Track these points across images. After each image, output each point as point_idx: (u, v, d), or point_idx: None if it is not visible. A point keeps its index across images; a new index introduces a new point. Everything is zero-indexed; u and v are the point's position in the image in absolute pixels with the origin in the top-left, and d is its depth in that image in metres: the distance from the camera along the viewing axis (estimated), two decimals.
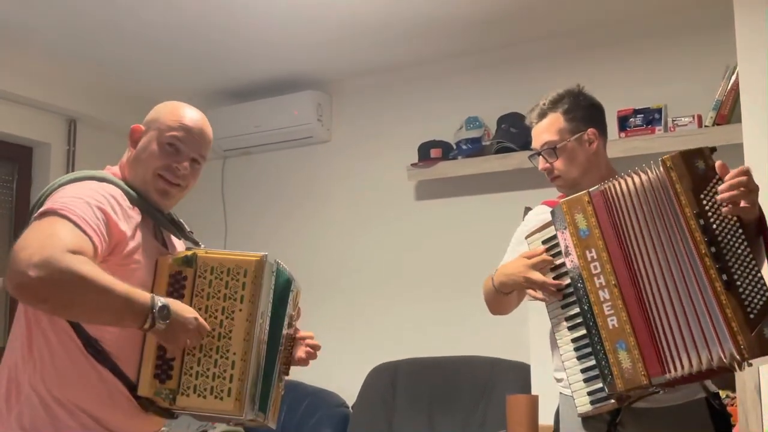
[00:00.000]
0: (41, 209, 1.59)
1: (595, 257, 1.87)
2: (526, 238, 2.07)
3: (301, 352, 1.93)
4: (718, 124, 3.19)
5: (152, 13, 3.47)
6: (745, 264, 1.73)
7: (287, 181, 4.50)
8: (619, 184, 1.90)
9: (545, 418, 2.77)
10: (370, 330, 4.10)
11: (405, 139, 4.08)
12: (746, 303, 1.70)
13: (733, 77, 3.08)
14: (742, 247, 1.74)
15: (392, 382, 3.81)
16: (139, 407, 1.67)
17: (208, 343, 1.65)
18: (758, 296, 1.71)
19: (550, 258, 1.96)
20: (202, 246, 1.84)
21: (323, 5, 3.43)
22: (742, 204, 1.74)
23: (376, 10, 3.49)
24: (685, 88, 3.42)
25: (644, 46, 3.59)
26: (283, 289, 1.81)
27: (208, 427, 3.74)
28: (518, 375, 3.46)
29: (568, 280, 1.94)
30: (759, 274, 1.73)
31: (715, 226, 1.76)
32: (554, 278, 1.97)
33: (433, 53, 4.01)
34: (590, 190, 1.93)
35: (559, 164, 2.10)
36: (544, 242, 2.00)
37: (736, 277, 1.72)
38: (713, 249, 1.74)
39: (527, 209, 3.48)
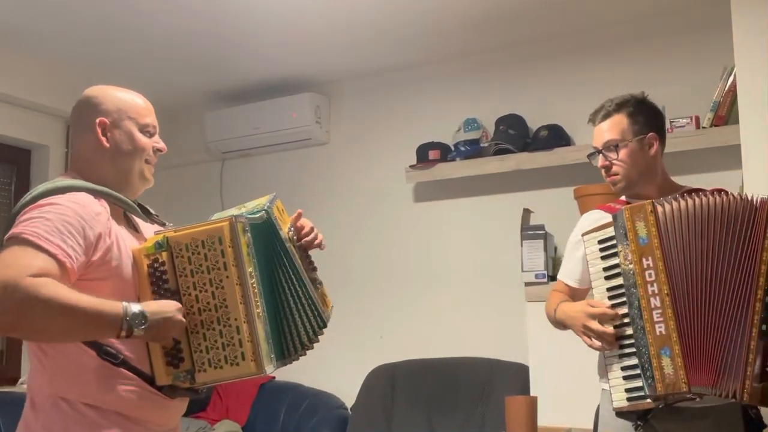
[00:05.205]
0: (6, 236, 1.57)
1: (651, 265, 1.93)
2: (583, 235, 2.12)
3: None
4: (715, 126, 3.19)
5: (151, 15, 3.47)
6: None
7: (286, 183, 4.50)
8: (686, 202, 1.94)
9: (544, 420, 2.77)
10: (368, 332, 4.10)
11: (403, 141, 4.08)
12: None
13: (731, 78, 3.07)
14: None
15: (391, 383, 3.81)
16: (165, 396, 1.69)
17: (208, 317, 1.66)
18: None
19: (614, 312, 1.99)
20: (170, 225, 1.84)
21: (321, 8, 3.44)
22: None
23: (373, 13, 3.50)
24: (682, 90, 3.43)
25: (642, 47, 3.60)
26: (264, 233, 1.82)
27: (208, 429, 3.74)
28: (517, 376, 3.46)
29: (626, 318, 1.97)
30: None
31: None
32: (606, 278, 2.01)
33: (431, 55, 4.02)
34: (654, 200, 1.98)
35: (619, 162, 2.16)
36: (600, 241, 2.05)
37: None
38: None
39: (526, 210, 3.50)
